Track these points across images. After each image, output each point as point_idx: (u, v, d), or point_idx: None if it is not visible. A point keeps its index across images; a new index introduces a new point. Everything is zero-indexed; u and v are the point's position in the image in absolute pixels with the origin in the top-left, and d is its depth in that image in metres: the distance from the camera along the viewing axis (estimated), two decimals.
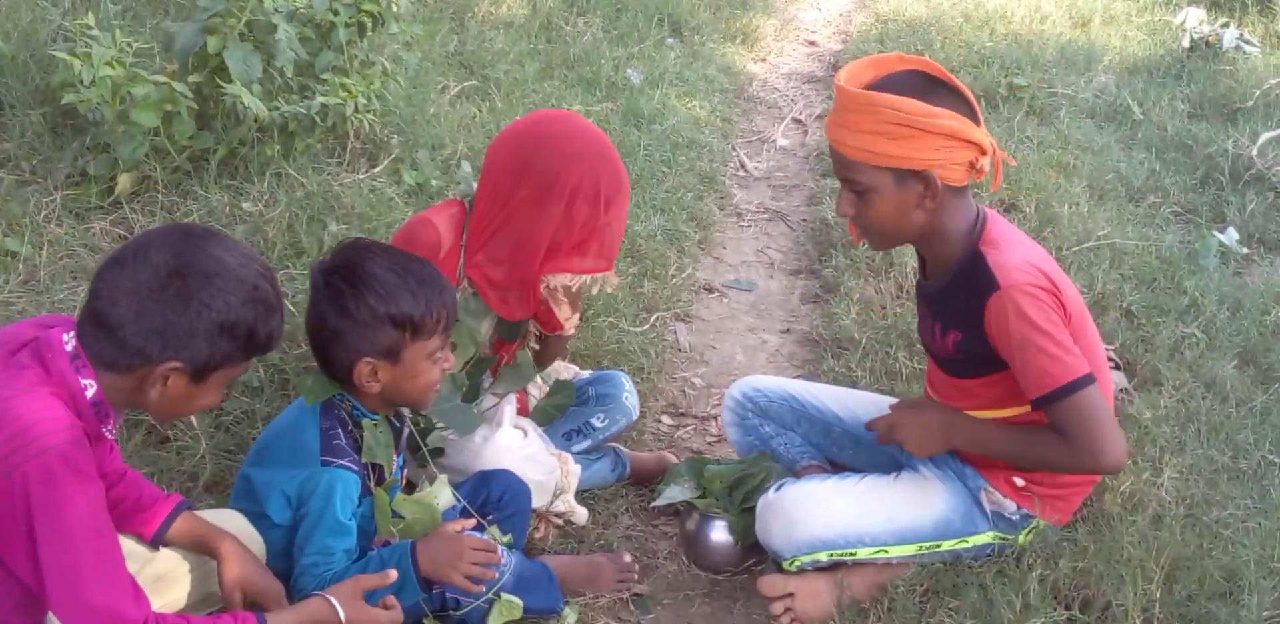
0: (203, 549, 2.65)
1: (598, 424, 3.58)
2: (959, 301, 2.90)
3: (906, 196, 2.79)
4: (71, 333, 2.25)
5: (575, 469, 3.38)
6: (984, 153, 2.77)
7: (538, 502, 3.23)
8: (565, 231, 3.06)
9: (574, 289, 3.26)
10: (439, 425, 3.16)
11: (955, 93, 2.76)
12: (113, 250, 2.35)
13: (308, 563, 2.64)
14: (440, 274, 2.75)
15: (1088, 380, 2.75)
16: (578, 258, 3.13)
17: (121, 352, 2.21)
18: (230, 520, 2.75)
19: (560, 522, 3.36)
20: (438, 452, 3.14)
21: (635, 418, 3.70)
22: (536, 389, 3.52)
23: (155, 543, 2.62)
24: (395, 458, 2.85)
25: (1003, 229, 2.93)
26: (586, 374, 3.76)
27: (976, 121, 2.77)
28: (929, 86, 2.74)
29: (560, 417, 3.44)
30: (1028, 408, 2.93)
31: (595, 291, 3.24)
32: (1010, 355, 2.79)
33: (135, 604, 2.23)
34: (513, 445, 3.24)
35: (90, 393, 2.23)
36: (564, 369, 3.76)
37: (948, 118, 2.70)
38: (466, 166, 3.40)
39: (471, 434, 3.19)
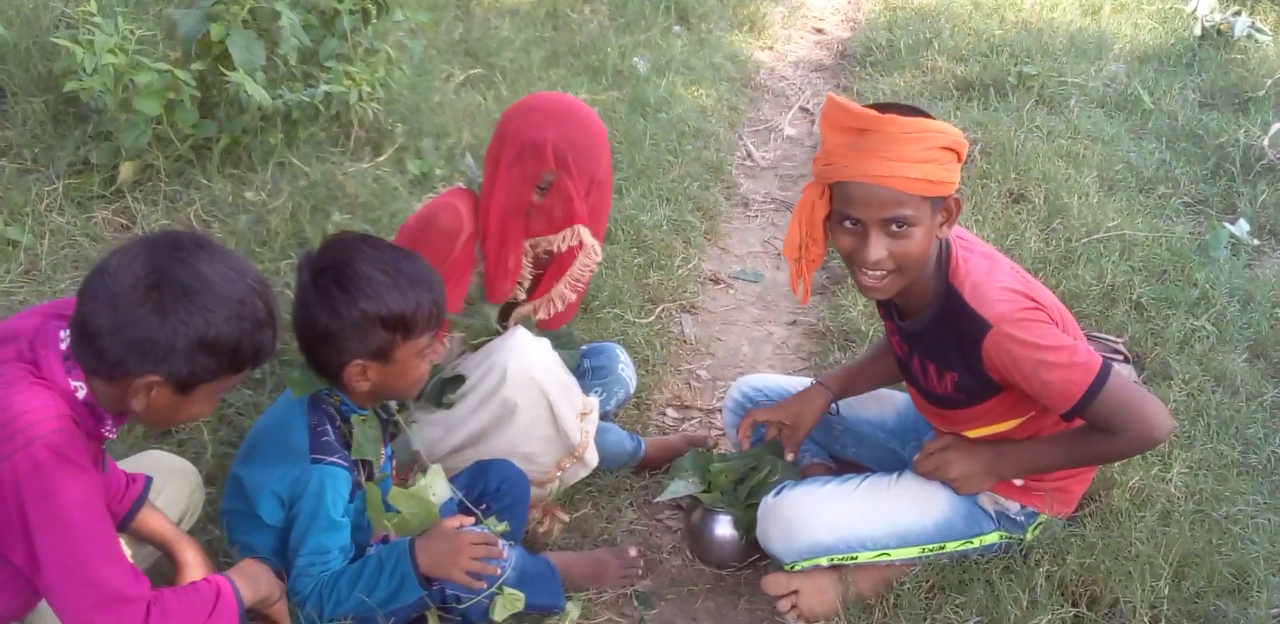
0: (162, 549, 2.65)
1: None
2: (949, 344, 2.84)
3: (933, 226, 2.69)
4: (69, 330, 2.23)
5: (593, 400, 3.34)
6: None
7: (568, 408, 3.20)
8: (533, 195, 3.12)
9: (555, 253, 3.26)
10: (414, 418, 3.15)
11: None
12: (106, 251, 2.30)
13: (304, 563, 2.62)
14: (431, 269, 2.71)
15: (1107, 368, 2.72)
16: (550, 221, 3.18)
17: (101, 362, 2.18)
18: (160, 461, 2.79)
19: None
20: (457, 382, 3.15)
21: (632, 390, 3.67)
22: None
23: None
24: (384, 450, 2.82)
25: (963, 253, 2.84)
26: (580, 347, 3.70)
27: None
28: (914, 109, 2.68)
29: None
30: (1023, 418, 2.92)
31: (579, 242, 3.23)
32: (1026, 382, 2.73)
33: (135, 584, 2.23)
34: (534, 341, 3.20)
35: (81, 394, 2.22)
36: None
37: (963, 137, 2.65)
38: (470, 158, 3.38)
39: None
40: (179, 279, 2.17)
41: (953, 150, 2.61)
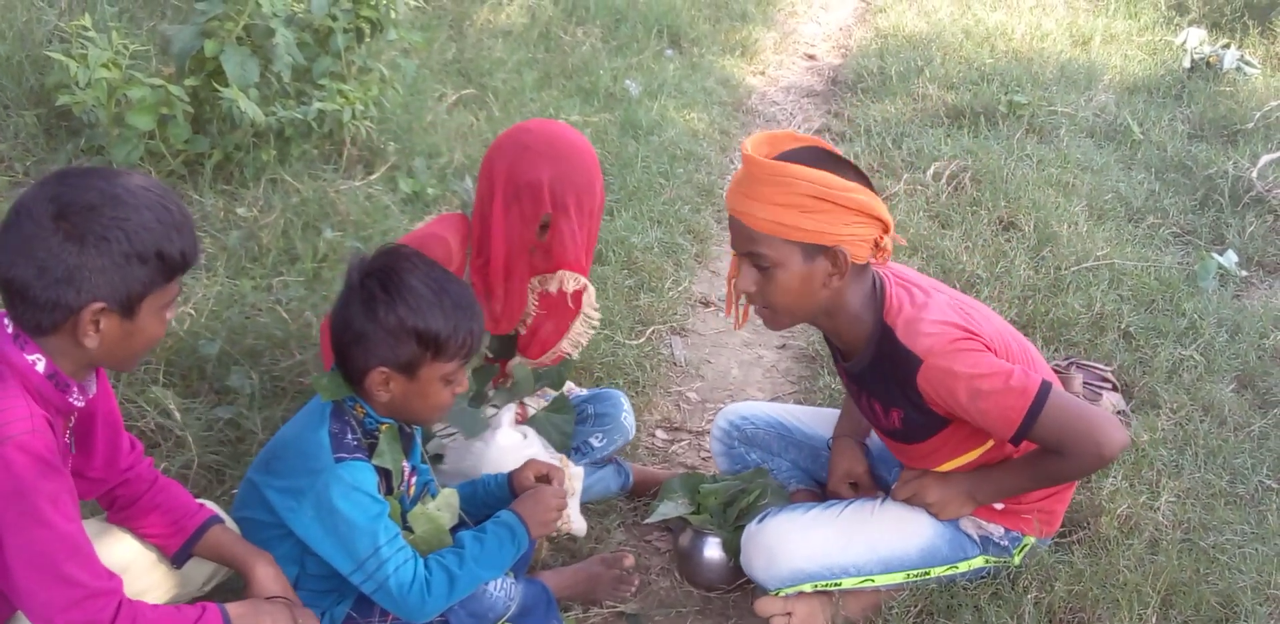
0: (231, 565, 2.63)
1: (596, 444, 3.53)
2: (889, 381, 2.85)
3: (813, 273, 2.72)
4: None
5: (578, 471, 3.34)
6: (887, 230, 2.73)
7: None
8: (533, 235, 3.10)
9: (554, 293, 3.24)
10: (438, 432, 3.15)
11: (855, 169, 2.71)
12: None
13: (388, 554, 2.57)
14: (476, 300, 2.69)
15: (1046, 389, 2.70)
16: (550, 259, 3.18)
17: (40, 311, 2.13)
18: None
19: (565, 529, 3.32)
20: (437, 458, 3.11)
21: (631, 437, 3.66)
22: (534, 402, 3.48)
23: (178, 559, 2.61)
24: (405, 463, 2.80)
25: (899, 290, 2.86)
26: (584, 392, 3.72)
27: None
28: (833, 161, 2.68)
29: (563, 438, 3.39)
30: (983, 447, 2.93)
31: (567, 289, 3.22)
32: (966, 412, 2.73)
33: (108, 580, 2.21)
34: (514, 445, 3.21)
35: (41, 367, 2.18)
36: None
37: (860, 192, 2.65)
38: (468, 181, 3.37)
39: (472, 439, 3.18)
40: (81, 201, 2.12)
41: (831, 202, 2.62)
